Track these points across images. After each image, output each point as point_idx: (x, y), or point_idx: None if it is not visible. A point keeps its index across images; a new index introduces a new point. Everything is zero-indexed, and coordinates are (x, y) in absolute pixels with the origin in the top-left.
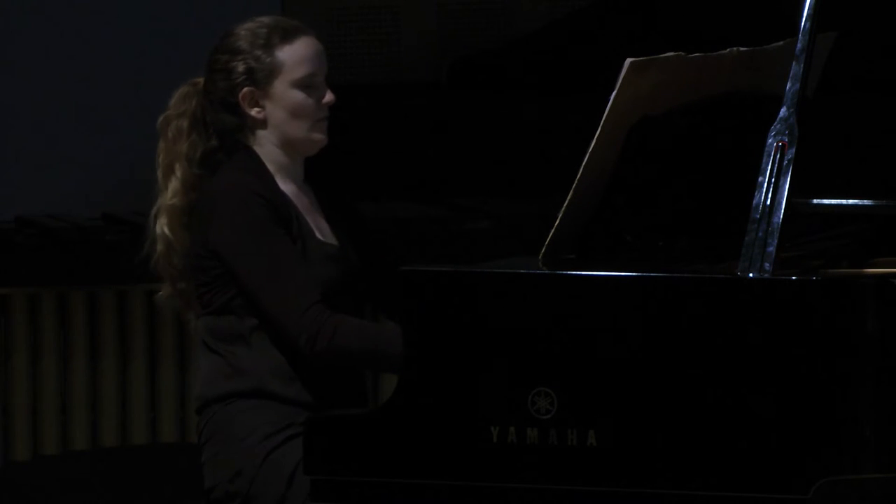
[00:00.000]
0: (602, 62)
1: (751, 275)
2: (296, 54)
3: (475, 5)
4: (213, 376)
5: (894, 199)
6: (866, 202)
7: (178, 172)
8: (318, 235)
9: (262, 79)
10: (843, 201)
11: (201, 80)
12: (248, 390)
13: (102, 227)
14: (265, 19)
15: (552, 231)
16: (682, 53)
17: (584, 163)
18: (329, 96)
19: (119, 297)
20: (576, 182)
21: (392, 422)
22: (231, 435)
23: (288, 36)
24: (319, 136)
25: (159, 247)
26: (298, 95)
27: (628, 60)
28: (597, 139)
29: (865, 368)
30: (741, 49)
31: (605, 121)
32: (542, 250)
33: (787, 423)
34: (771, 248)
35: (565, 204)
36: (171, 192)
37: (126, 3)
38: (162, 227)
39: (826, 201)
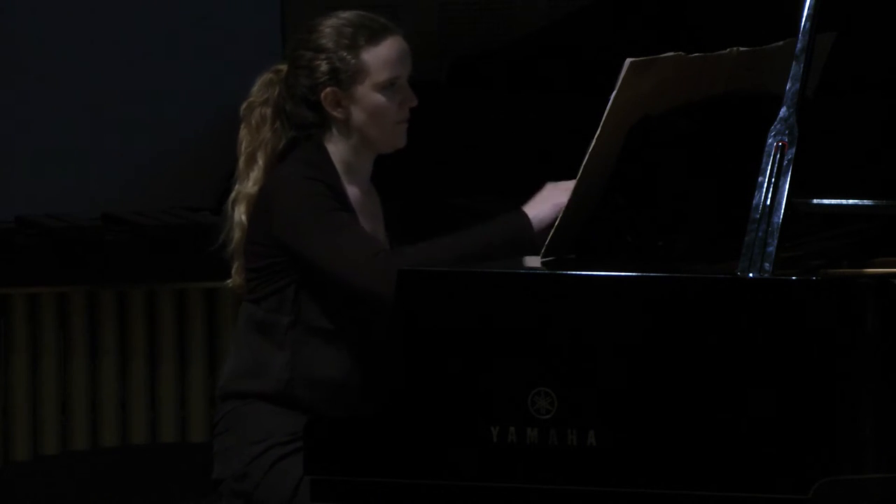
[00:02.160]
0: (602, 62)
1: (751, 275)
2: (381, 57)
3: (475, 5)
4: (240, 371)
5: (894, 199)
6: (866, 202)
7: (261, 161)
8: None
9: (345, 80)
10: (843, 201)
11: (284, 67)
12: (271, 393)
13: (102, 227)
14: (351, 16)
15: (552, 231)
16: (682, 53)
17: (584, 163)
18: (412, 99)
19: (119, 297)
20: (576, 182)
21: (392, 422)
22: (243, 436)
23: (374, 37)
24: (398, 140)
25: (236, 234)
26: (380, 98)
27: (628, 60)
28: (597, 139)
29: (865, 368)
30: (741, 49)
31: (605, 121)
32: (542, 250)
33: (787, 423)
34: (771, 248)
35: (565, 204)
36: (252, 180)
37: (126, 3)
38: (240, 215)
39: (826, 201)
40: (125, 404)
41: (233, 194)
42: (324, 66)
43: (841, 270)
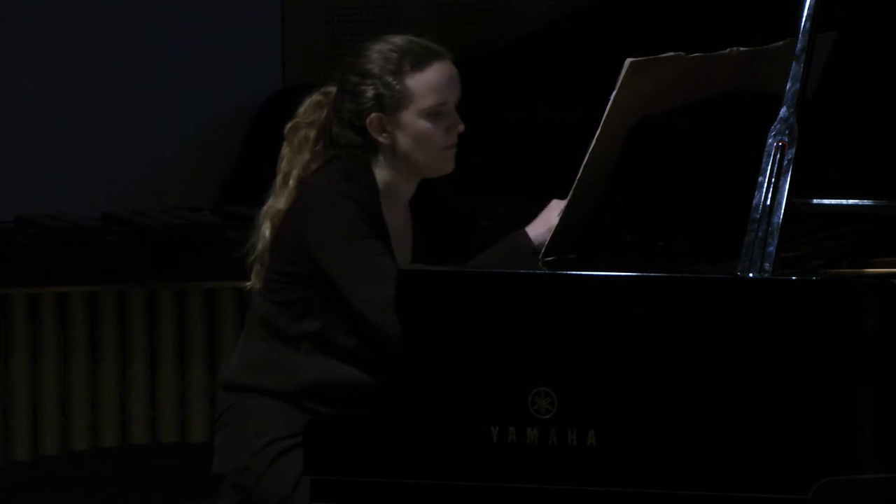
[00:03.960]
0: (601, 62)
1: (751, 275)
2: (426, 83)
3: (475, 5)
4: (247, 366)
5: (894, 199)
6: (866, 202)
7: (295, 179)
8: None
9: (390, 106)
10: (843, 201)
11: (333, 89)
12: (277, 389)
13: (102, 227)
14: (398, 41)
15: (552, 231)
16: (682, 53)
17: (584, 163)
18: (459, 125)
19: (119, 297)
20: (576, 182)
21: (392, 422)
22: (246, 429)
23: (419, 63)
24: (445, 165)
25: (260, 246)
26: (426, 125)
27: (628, 60)
28: (597, 139)
29: (865, 368)
30: (741, 49)
31: (605, 121)
32: (542, 250)
33: (788, 423)
34: (771, 248)
35: (565, 204)
36: (285, 197)
37: (125, 3)
38: (266, 229)
39: (826, 201)
40: (125, 404)
41: (265, 207)
42: (370, 92)
43: (841, 270)
